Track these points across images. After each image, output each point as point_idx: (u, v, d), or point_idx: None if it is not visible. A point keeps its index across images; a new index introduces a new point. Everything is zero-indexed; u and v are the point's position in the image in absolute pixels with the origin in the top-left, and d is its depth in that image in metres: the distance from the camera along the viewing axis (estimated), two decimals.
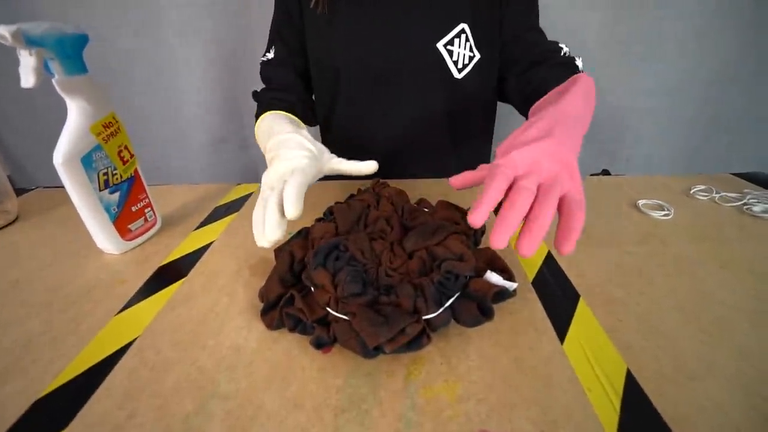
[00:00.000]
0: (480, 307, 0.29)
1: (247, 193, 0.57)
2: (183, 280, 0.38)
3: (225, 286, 0.37)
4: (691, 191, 0.52)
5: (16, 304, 0.35)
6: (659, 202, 0.49)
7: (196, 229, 0.47)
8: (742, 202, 0.48)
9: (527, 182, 0.26)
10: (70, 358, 0.29)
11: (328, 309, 0.29)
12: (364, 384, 0.26)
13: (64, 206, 0.55)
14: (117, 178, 0.41)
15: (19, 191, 0.60)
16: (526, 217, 0.26)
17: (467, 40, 0.57)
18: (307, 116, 0.65)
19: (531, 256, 0.26)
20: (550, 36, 0.59)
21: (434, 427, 0.23)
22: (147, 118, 1.10)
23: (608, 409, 0.24)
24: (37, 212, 0.54)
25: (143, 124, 1.09)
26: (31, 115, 1.09)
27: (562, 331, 0.30)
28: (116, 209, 0.42)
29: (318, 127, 0.72)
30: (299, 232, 0.39)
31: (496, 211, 0.27)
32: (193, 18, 0.99)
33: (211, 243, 0.44)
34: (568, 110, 0.33)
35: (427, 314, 0.28)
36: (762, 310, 0.32)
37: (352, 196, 0.45)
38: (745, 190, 0.50)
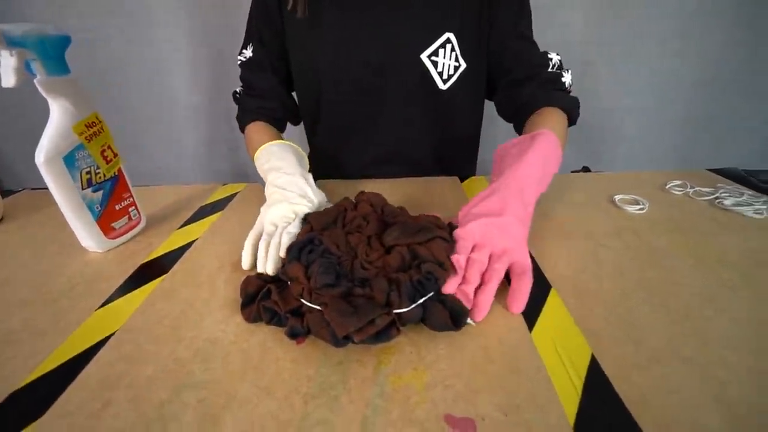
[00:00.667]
0: (451, 315, 0.29)
1: (232, 192, 0.57)
2: (164, 276, 0.38)
3: (206, 281, 0.37)
4: (667, 186, 0.53)
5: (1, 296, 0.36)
6: (635, 196, 0.50)
7: (180, 228, 0.48)
8: (714, 196, 0.49)
9: (479, 255, 0.33)
10: (49, 352, 0.30)
11: (302, 300, 0.29)
12: (334, 372, 0.27)
13: (50, 207, 0.55)
14: (100, 177, 0.42)
15: (6, 193, 0.60)
16: (479, 284, 0.32)
17: (453, 50, 0.56)
18: (290, 120, 0.66)
19: (485, 315, 0.31)
20: (537, 36, 0.59)
21: (401, 414, 0.24)
22: (137, 120, 1.10)
23: (570, 393, 0.25)
24: (23, 213, 0.54)
25: (134, 126, 1.10)
26: (18, 117, 1.09)
27: (531, 320, 0.31)
28: (99, 208, 0.42)
29: (302, 127, 0.73)
30: None
31: None
32: (183, 20, 1.00)
33: (194, 241, 0.45)
34: (526, 177, 0.38)
35: (399, 308, 0.28)
36: (727, 297, 0.33)
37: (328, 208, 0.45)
38: (718, 185, 0.52)
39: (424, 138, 0.64)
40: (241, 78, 0.63)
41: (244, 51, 0.62)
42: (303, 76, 0.62)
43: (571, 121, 0.53)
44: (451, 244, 0.34)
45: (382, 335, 0.27)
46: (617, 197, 0.50)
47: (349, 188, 0.48)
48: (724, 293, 0.33)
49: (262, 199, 0.45)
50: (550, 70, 0.54)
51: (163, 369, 0.28)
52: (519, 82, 0.56)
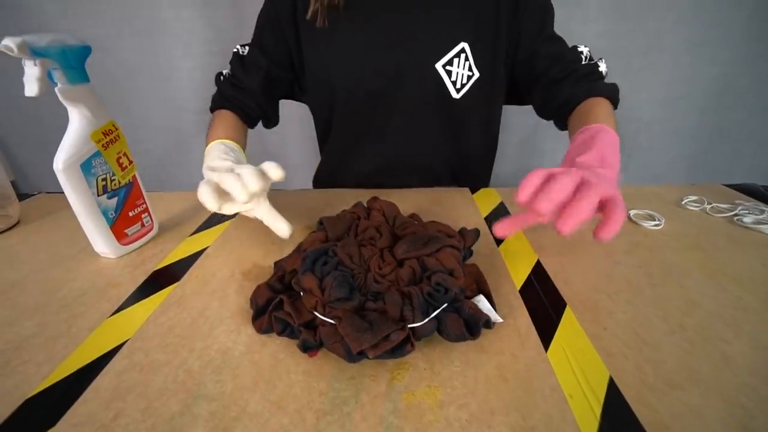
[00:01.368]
0: (467, 324, 0.29)
1: None
2: (176, 284, 0.38)
3: (217, 290, 0.37)
4: (683, 202, 0.52)
5: (11, 307, 0.36)
6: (650, 212, 0.49)
7: (191, 235, 0.48)
8: (733, 213, 0.48)
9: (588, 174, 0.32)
10: (61, 359, 0.30)
11: (315, 313, 0.29)
12: (347, 388, 0.26)
13: (64, 211, 0.56)
14: (115, 184, 0.42)
15: (23, 196, 0.61)
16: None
17: (467, 59, 0.56)
18: (264, 122, 0.65)
19: (571, 227, 0.29)
20: None
21: None
22: (148, 127, 1.12)
23: (588, 416, 0.24)
24: (38, 217, 0.55)
25: (145, 133, 1.11)
26: (36, 123, 1.11)
27: (546, 339, 0.30)
28: (114, 214, 0.42)
29: (315, 139, 0.73)
30: (297, 248, 0.40)
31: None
32: (195, 29, 1.02)
33: (206, 249, 0.45)
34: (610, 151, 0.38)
35: (413, 323, 0.28)
36: (746, 320, 0.32)
37: (343, 211, 0.45)
38: (737, 201, 0.51)
39: (436, 146, 0.64)
40: (231, 65, 0.62)
41: (246, 46, 0.62)
42: (317, 82, 0.63)
43: (614, 105, 0.53)
44: (460, 251, 0.34)
45: (396, 351, 0.27)
46: (632, 212, 0.49)
47: (359, 197, 0.48)
48: (743, 316, 0.32)
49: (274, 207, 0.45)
50: (584, 62, 0.55)
51: (174, 380, 0.27)
52: (556, 81, 0.56)
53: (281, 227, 0.40)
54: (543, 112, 0.61)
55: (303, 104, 0.72)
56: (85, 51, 0.38)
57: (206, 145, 0.51)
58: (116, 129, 0.42)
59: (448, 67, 0.56)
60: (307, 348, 0.28)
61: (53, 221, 0.54)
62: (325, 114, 0.66)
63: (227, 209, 0.38)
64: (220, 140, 0.49)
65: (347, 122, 0.64)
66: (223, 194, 0.36)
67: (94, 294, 0.38)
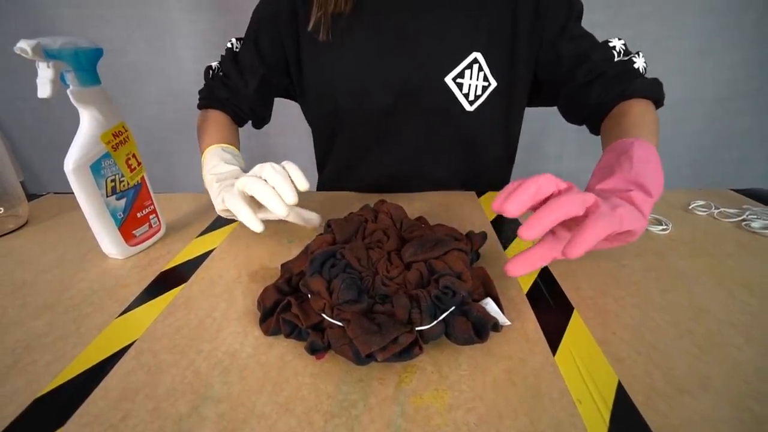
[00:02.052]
0: (475, 327, 0.29)
1: None
2: (183, 285, 0.39)
3: (224, 292, 0.37)
4: (690, 206, 0.52)
5: (20, 306, 0.36)
6: (657, 216, 0.49)
7: (198, 236, 0.48)
8: (741, 218, 0.48)
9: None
10: (70, 359, 0.30)
11: (323, 315, 0.29)
12: (355, 390, 0.26)
13: (73, 212, 0.56)
14: (124, 185, 0.43)
15: (31, 197, 0.62)
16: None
17: (480, 69, 0.53)
18: (254, 123, 0.64)
19: (582, 250, 0.27)
20: None
21: None
22: (156, 128, 1.13)
23: (597, 421, 0.24)
24: (47, 217, 0.56)
25: (152, 134, 1.12)
26: (45, 125, 1.13)
27: (554, 343, 0.30)
28: (122, 215, 0.43)
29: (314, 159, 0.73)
30: (304, 250, 0.40)
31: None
32: (204, 32, 1.03)
33: (213, 250, 0.45)
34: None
35: (421, 326, 0.28)
36: (755, 325, 0.32)
37: (351, 214, 0.45)
38: (745, 206, 0.51)
39: (448, 158, 0.61)
40: (222, 63, 0.60)
41: (238, 42, 0.60)
42: (320, 95, 0.61)
43: (658, 103, 0.49)
44: (467, 254, 0.34)
45: (404, 354, 0.27)
46: None
47: (366, 201, 0.48)
48: (753, 321, 0.32)
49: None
50: (617, 59, 0.50)
51: (181, 381, 0.28)
52: (583, 85, 0.51)
53: (311, 217, 0.41)
54: (571, 118, 0.56)
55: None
56: (97, 53, 0.38)
57: (201, 148, 0.51)
58: (126, 130, 0.43)
59: (459, 80, 0.53)
60: (314, 350, 0.28)
61: (62, 222, 0.54)
62: (328, 124, 0.63)
63: (262, 217, 0.38)
64: (218, 145, 0.48)
65: (353, 133, 0.62)
66: (252, 203, 0.37)
67: (103, 294, 0.38)
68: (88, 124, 0.39)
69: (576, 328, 0.32)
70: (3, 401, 0.26)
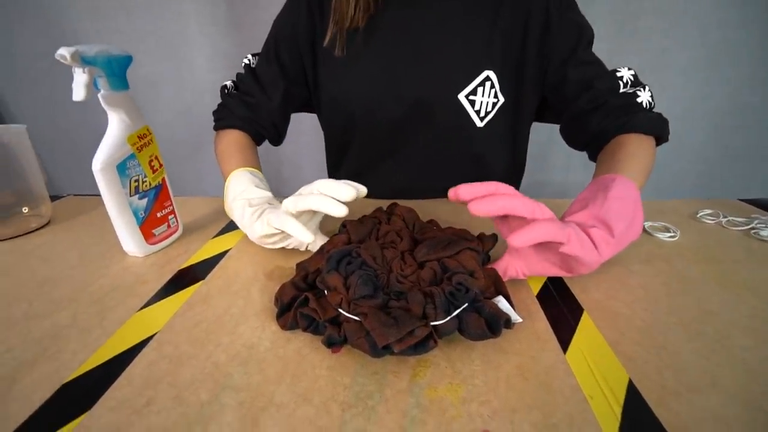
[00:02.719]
0: (488, 323, 0.29)
1: None
2: (201, 282, 0.40)
3: (241, 289, 0.38)
4: (698, 215, 0.52)
5: (47, 300, 0.38)
6: (665, 224, 0.49)
7: (215, 237, 0.50)
8: (750, 226, 0.49)
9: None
10: (95, 348, 0.31)
11: (340, 310, 0.30)
12: (371, 382, 0.27)
13: (93, 212, 0.58)
14: (146, 185, 0.44)
15: (53, 198, 0.64)
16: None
17: (492, 87, 0.53)
18: (273, 140, 0.63)
19: (522, 240, 0.31)
20: None
21: (438, 426, 0.24)
22: (171, 136, 1.16)
23: (609, 416, 0.24)
24: (68, 217, 0.57)
25: (166, 142, 1.15)
26: (66, 129, 1.16)
27: (565, 342, 0.31)
28: (143, 214, 0.44)
29: (326, 162, 0.74)
30: (320, 250, 0.41)
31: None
32: (219, 42, 1.06)
33: (229, 250, 0.46)
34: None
35: (436, 320, 0.29)
36: (762, 329, 0.32)
37: (364, 216, 0.46)
38: (753, 215, 0.51)
39: (457, 171, 0.61)
40: (241, 80, 0.60)
41: (256, 57, 0.60)
42: (334, 107, 0.61)
43: (660, 140, 0.49)
44: (480, 253, 0.35)
45: (420, 347, 0.27)
46: (647, 224, 0.50)
47: (378, 205, 0.49)
48: (762, 326, 0.32)
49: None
50: (621, 90, 0.49)
51: (202, 371, 0.28)
52: (584, 112, 0.51)
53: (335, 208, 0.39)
54: (572, 143, 0.57)
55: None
56: (128, 60, 0.40)
57: (225, 170, 0.50)
58: (150, 133, 0.44)
59: (471, 97, 0.54)
60: (331, 343, 0.29)
61: (83, 221, 0.56)
62: (341, 135, 0.64)
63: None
64: (245, 168, 0.48)
65: (365, 145, 0.62)
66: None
67: (123, 290, 0.39)
68: (116, 126, 0.41)
69: (586, 328, 0.32)
70: (33, 386, 0.27)
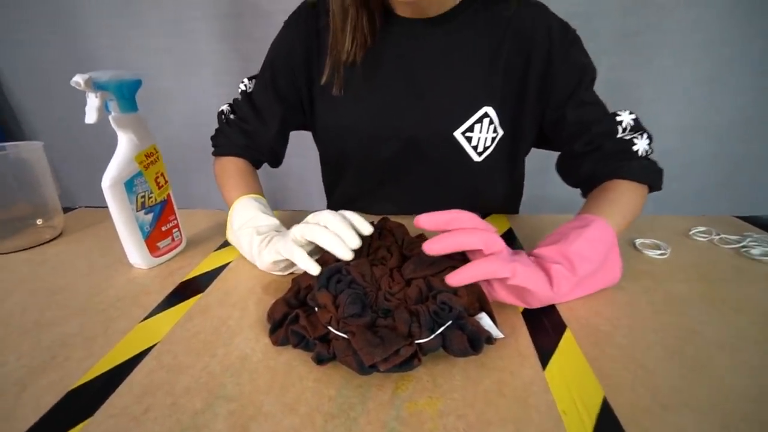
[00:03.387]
0: (471, 340, 0.31)
1: None
2: (201, 294, 0.42)
3: (238, 302, 0.40)
4: (691, 232, 0.53)
5: (56, 309, 0.40)
6: (656, 241, 0.50)
7: (216, 250, 0.52)
8: (741, 244, 0.49)
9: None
10: (99, 356, 0.33)
11: (329, 327, 0.32)
12: (354, 395, 0.28)
13: (102, 224, 0.61)
14: (152, 201, 0.47)
15: (65, 210, 0.67)
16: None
17: (491, 122, 0.52)
18: (272, 163, 0.64)
19: (457, 281, 0.33)
20: None
21: None
22: (179, 148, 1.19)
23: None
24: (79, 229, 0.60)
25: (174, 154, 1.19)
26: (75, 145, 1.20)
27: (545, 358, 0.32)
28: (149, 228, 0.47)
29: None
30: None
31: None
32: (227, 58, 1.10)
33: (229, 263, 0.48)
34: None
35: (420, 338, 0.30)
36: (744, 348, 0.32)
37: None
38: (746, 233, 0.51)
39: (454, 202, 0.59)
40: (238, 107, 0.59)
41: (251, 81, 0.60)
42: (328, 136, 0.61)
43: (652, 188, 0.48)
44: None
45: (405, 365, 0.29)
46: (638, 241, 0.50)
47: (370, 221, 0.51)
48: (742, 344, 0.33)
49: (291, 227, 0.48)
50: (619, 136, 0.49)
51: (197, 380, 0.30)
52: (579, 154, 0.51)
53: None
54: (565, 180, 0.57)
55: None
56: (137, 84, 0.43)
57: (228, 198, 0.51)
58: (156, 152, 0.47)
59: (468, 134, 0.53)
60: (320, 360, 0.30)
61: (92, 233, 0.59)
62: (336, 163, 0.64)
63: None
64: (249, 195, 0.49)
65: (359, 174, 0.62)
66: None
67: (128, 301, 0.41)
68: (124, 145, 0.43)
69: (567, 345, 0.33)
70: (42, 391, 0.29)
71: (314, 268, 0.36)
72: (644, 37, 0.98)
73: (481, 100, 0.52)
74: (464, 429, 0.26)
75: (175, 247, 0.50)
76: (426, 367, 0.31)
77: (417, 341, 0.30)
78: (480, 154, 0.54)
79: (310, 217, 0.41)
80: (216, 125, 0.62)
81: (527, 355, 0.32)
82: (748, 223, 0.56)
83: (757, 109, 1.02)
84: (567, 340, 0.34)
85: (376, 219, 0.50)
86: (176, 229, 0.51)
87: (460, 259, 0.38)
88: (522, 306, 0.37)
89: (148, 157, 0.45)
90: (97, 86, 0.39)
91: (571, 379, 0.30)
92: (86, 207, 0.70)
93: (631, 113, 0.50)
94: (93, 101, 0.39)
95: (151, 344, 0.34)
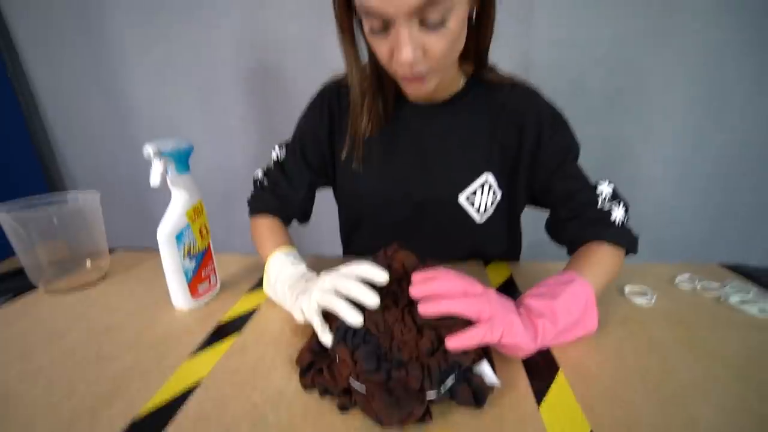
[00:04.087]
0: (476, 395, 0.35)
1: None
2: (237, 334, 0.47)
3: (271, 342, 0.46)
4: (676, 280, 0.58)
5: (112, 344, 0.46)
6: (644, 287, 0.55)
7: (248, 293, 0.58)
8: (721, 292, 0.54)
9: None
10: (155, 389, 0.38)
11: (350, 381, 0.36)
12: (376, 426, 0.33)
13: (141, 266, 0.68)
14: (196, 249, 0.54)
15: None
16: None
17: (490, 187, 0.60)
18: (300, 221, 0.70)
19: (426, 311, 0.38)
20: None
21: None
22: (205, 195, 1.28)
23: None
24: (121, 270, 0.67)
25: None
26: (112, 194, 1.29)
27: (540, 396, 0.37)
28: (192, 274, 0.53)
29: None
30: None
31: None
32: (250, 109, 1.20)
33: (259, 305, 0.54)
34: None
35: (431, 390, 0.35)
36: (718, 391, 0.37)
37: None
38: (726, 281, 0.56)
39: (459, 258, 0.67)
40: (270, 173, 0.67)
41: (282, 151, 0.67)
42: (346, 199, 0.70)
43: (629, 251, 0.54)
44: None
45: (419, 421, 0.34)
46: (627, 288, 0.56)
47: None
48: (716, 386, 0.38)
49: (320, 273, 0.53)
50: (599, 206, 0.55)
51: (242, 410, 0.35)
52: (563, 219, 0.58)
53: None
54: (553, 240, 0.63)
55: None
56: (191, 150, 0.51)
57: (263, 253, 0.57)
58: (202, 207, 0.54)
59: (471, 198, 0.60)
60: (343, 409, 0.35)
61: (134, 276, 0.65)
62: (352, 219, 0.71)
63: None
64: (280, 250, 0.55)
65: (372, 231, 0.69)
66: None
67: (173, 339, 0.47)
68: (178, 202, 0.51)
69: (559, 384, 0.38)
70: (111, 420, 0.35)
71: (328, 341, 0.40)
72: (630, 96, 1.07)
73: (481, 168, 0.60)
74: None
75: (211, 290, 0.57)
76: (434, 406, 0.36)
77: (429, 398, 0.35)
78: (481, 215, 0.61)
79: (327, 281, 0.43)
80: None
81: (524, 393, 0.37)
82: (731, 271, 0.61)
83: (741, 162, 1.08)
84: (559, 381, 0.39)
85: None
86: (213, 274, 0.57)
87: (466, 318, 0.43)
88: (509, 353, 0.42)
89: (195, 212, 0.53)
90: (162, 154, 0.47)
91: (563, 415, 0.34)
92: (125, 249, 0.77)
93: (610, 183, 0.57)
94: (157, 166, 0.47)
95: (198, 378, 0.40)
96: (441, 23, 0.43)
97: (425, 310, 0.38)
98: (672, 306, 0.52)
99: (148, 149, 0.46)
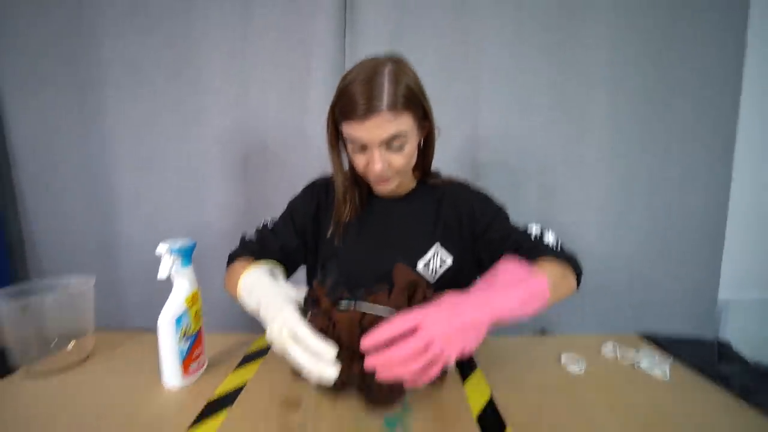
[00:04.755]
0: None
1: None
2: (228, 409, 0.53)
3: (260, 417, 0.51)
4: (603, 350, 0.70)
5: (106, 428, 0.50)
6: (576, 357, 0.67)
7: (235, 369, 0.63)
8: (633, 358, 0.66)
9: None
10: None
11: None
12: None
13: (124, 346, 0.71)
14: (190, 331, 0.60)
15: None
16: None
17: (439, 254, 0.74)
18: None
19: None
20: None
21: None
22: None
23: None
24: (106, 350, 0.70)
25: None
26: (103, 274, 1.29)
27: None
28: (184, 354, 0.59)
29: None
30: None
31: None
32: (229, 197, 1.28)
33: (247, 381, 0.60)
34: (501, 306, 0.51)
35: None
36: None
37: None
38: (639, 348, 0.69)
39: None
40: (259, 231, 0.77)
41: (271, 223, 0.78)
42: (326, 259, 0.81)
43: (570, 262, 0.65)
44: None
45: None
46: (563, 355, 0.67)
47: None
48: None
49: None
50: (532, 238, 0.69)
51: None
52: (503, 254, 0.67)
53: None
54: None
55: None
56: (194, 246, 0.60)
57: (237, 284, 0.60)
58: (198, 294, 0.62)
59: (428, 264, 0.74)
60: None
61: (119, 356, 0.68)
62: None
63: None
64: (255, 265, 0.62)
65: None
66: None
67: (168, 417, 0.51)
68: (179, 291, 0.58)
69: None
70: None
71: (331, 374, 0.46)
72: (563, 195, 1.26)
73: (432, 240, 0.75)
74: None
75: (200, 368, 0.62)
76: None
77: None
78: (433, 277, 0.75)
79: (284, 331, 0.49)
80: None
81: None
82: (646, 340, 0.74)
83: (662, 234, 1.27)
84: None
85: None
86: (202, 353, 0.63)
87: None
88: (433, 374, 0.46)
89: (192, 299, 0.60)
90: (173, 251, 0.55)
91: None
92: (105, 329, 0.79)
93: (537, 224, 0.72)
94: (167, 262, 0.55)
95: None
96: (400, 148, 0.63)
97: (367, 344, 0.45)
98: (597, 372, 0.63)
99: (162, 249, 0.54)
